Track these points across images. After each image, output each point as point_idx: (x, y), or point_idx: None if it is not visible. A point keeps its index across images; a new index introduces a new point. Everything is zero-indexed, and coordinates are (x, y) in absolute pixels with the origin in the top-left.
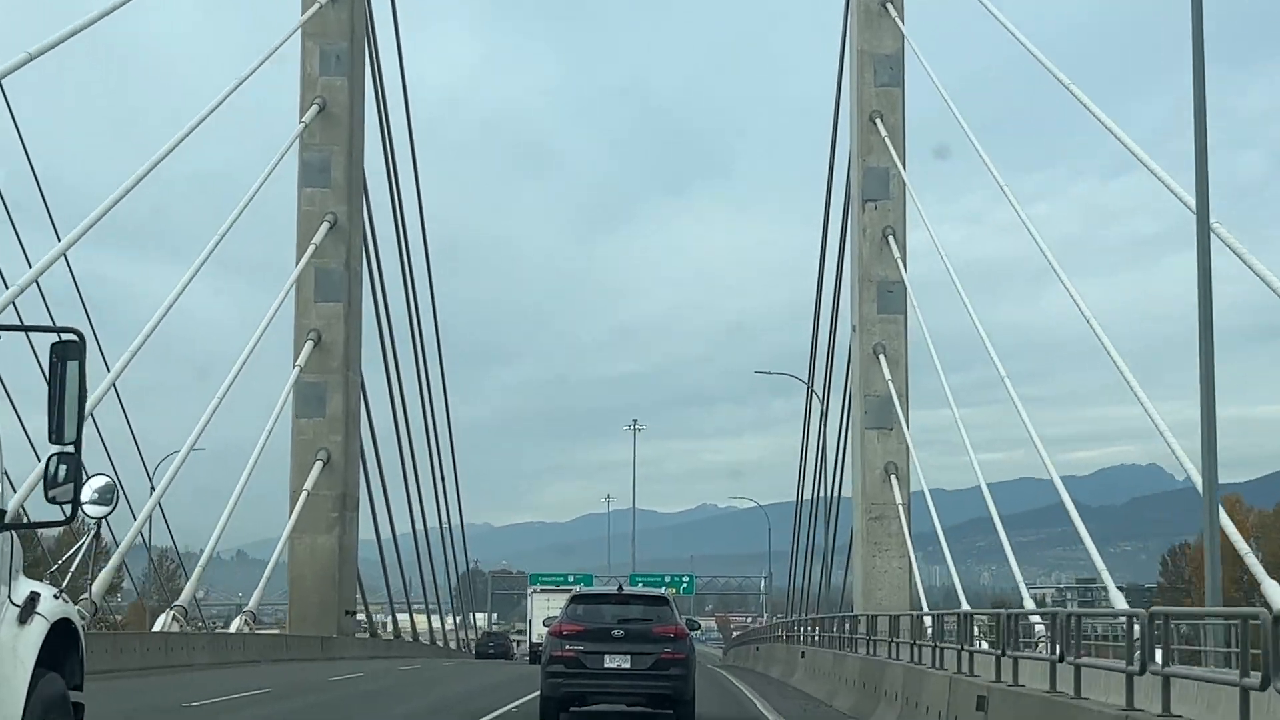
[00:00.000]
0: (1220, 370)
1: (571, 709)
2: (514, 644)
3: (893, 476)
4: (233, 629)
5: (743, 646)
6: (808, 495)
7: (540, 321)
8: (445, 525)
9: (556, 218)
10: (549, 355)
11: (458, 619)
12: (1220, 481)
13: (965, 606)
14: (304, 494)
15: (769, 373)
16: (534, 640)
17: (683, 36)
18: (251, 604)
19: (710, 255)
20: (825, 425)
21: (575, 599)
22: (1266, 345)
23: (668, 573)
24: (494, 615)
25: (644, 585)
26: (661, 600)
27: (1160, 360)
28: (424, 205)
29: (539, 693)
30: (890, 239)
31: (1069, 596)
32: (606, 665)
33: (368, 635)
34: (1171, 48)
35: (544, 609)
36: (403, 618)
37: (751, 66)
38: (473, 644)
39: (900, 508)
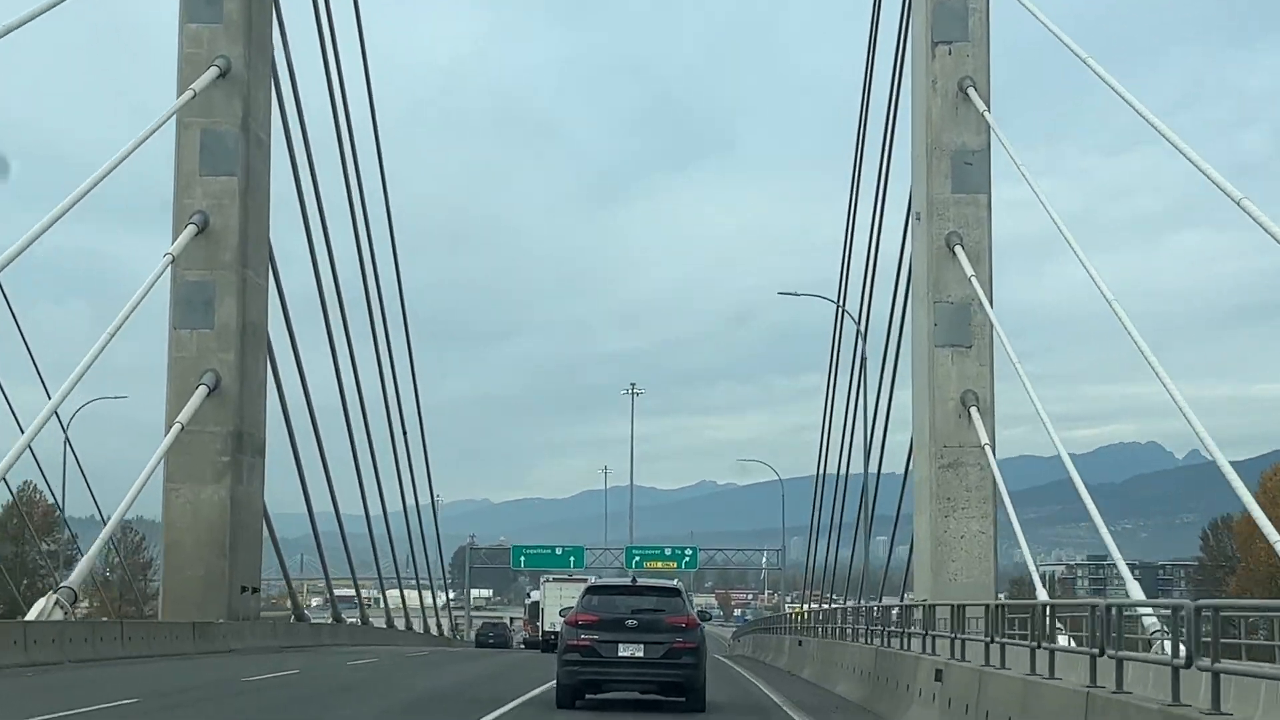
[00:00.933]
0: (1222, 349)
1: (587, 696)
2: (512, 632)
3: (972, 410)
4: (32, 614)
5: (764, 635)
6: (836, 449)
7: (542, 298)
8: (413, 493)
9: (560, 194)
10: (551, 332)
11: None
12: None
13: (1042, 595)
14: (176, 428)
15: (795, 294)
16: (547, 629)
17: (687, 12)
18: (73, 578)
19: (713, 232)
20: (860, 357)
21: (590, 590)
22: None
23: (668, 545)
24: (490, 592)
25: (641, 558)
26: (674, 591)
27: (1162, 338)
28: (372, 73)
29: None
30: (970, 91)
31: (1079, 574)
32: (621, 654)
33: (331, 620)
34: (1177, 24)
35: (556, 598)
36: (378, 594)
37: (756, 43)
38: (460, 628)
39: (986, 450)
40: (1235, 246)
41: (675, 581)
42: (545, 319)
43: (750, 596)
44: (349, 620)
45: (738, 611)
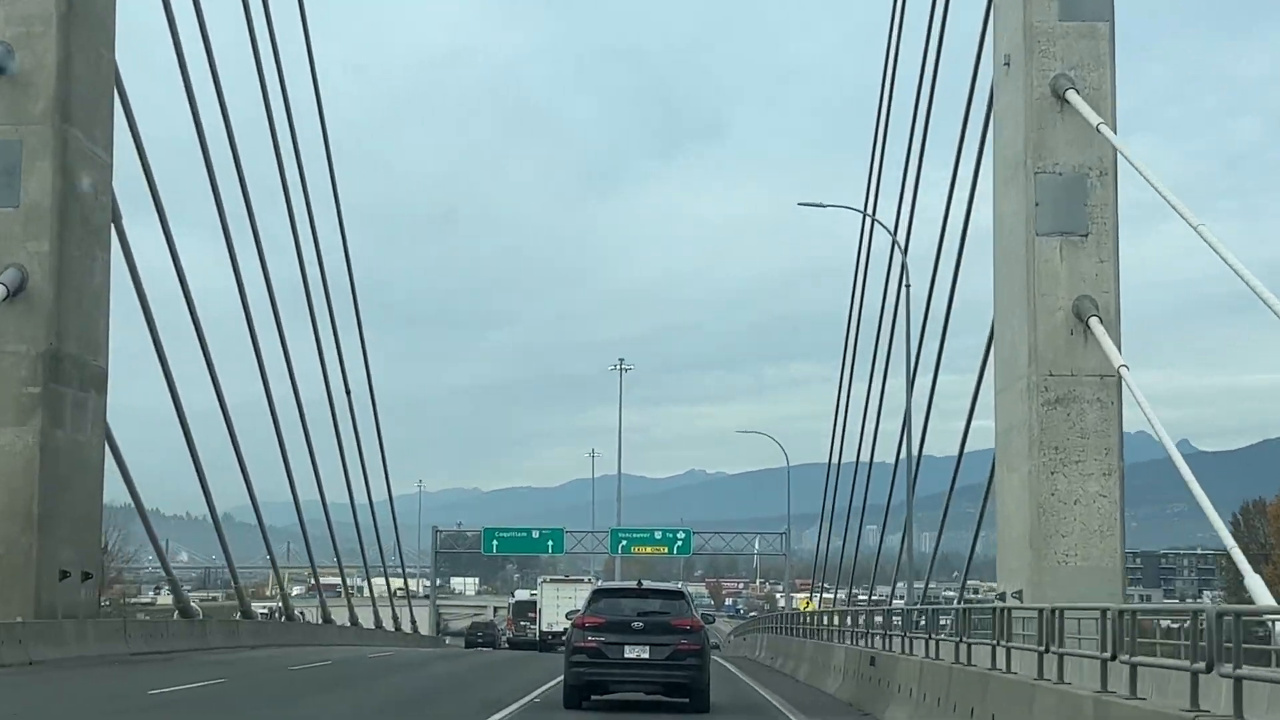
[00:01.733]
0: (1208, 340)
1: (593, 696)
2: (500, 632)
3: (1092, 322)
4: None
5: (778, 636)
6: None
7: (533, 286)
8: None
9: (551, 181)
10: (542, 320)
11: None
12: (1209, 450)
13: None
14: None
15: (819, 205)
16: (544, 629)
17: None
18: None
19: (703, 220)
20: (900, 270)
21: (597, 593)
22: (1251, 314)
23: (658, 528)
24: (475, 580)
25: (628, 542)
26: (678, 594)
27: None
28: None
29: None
30: None
31: (1135, 561)
32: (626, 655)
33: (239, 616)
34: (1167, 13)
35: (554, 599)
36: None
37: (746, 30)
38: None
39: (1120, 374)
40: (1226, 237)
41: (679, 584)
42: (537, 307)
43: (741, 585)
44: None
45: (729, 601)
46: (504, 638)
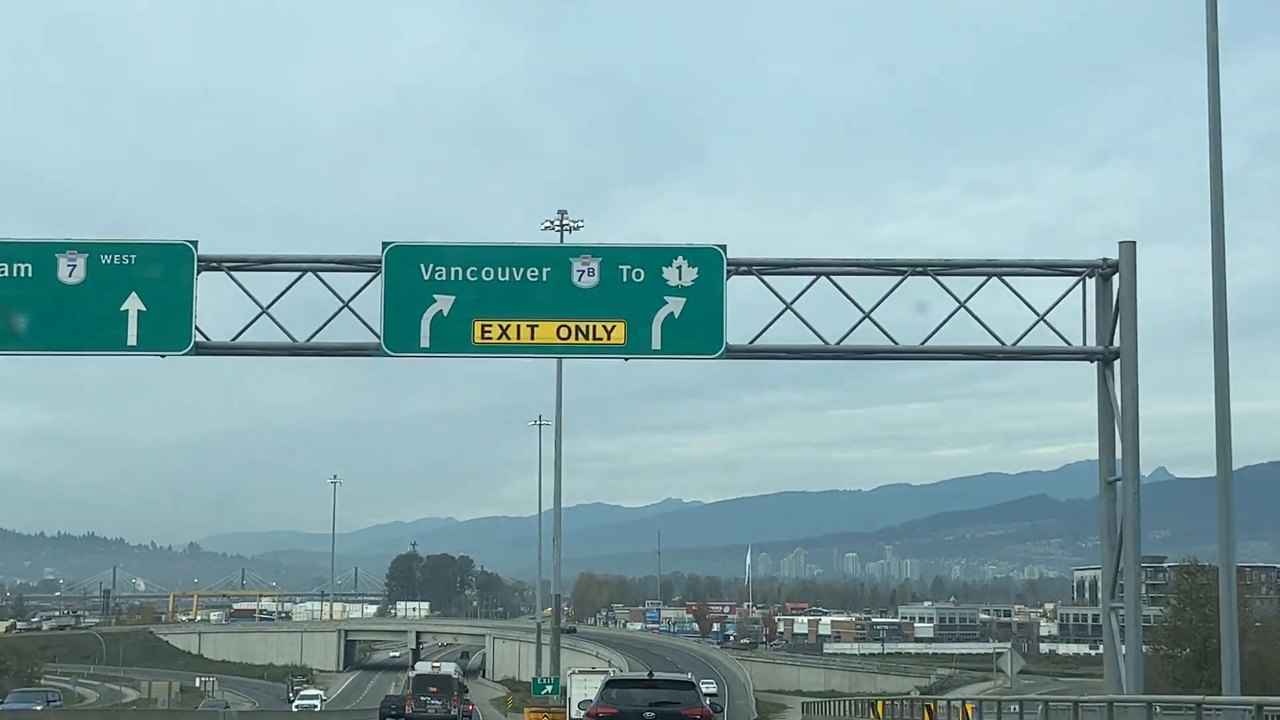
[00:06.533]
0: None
1: None
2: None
3: None
4: None
5: None
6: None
7: None
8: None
9: (529, 205)
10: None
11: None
12: (1185, 475)
13: None
14: None
15: None
16: (573, 717)
17: (656, 21)
18: None
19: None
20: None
21: (610, 684)
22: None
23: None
24: (426, 606)
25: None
26: (688, 685)
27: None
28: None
29: None
30: None
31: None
32: None
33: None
34: (1151, 36)
35: (582, 689)
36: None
37: (726, 53)
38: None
39: None
40: (1205, 263)
41: (689, 675)
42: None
43: (727, 610)
44: None
45: (715, 627)
46: (396, 715)
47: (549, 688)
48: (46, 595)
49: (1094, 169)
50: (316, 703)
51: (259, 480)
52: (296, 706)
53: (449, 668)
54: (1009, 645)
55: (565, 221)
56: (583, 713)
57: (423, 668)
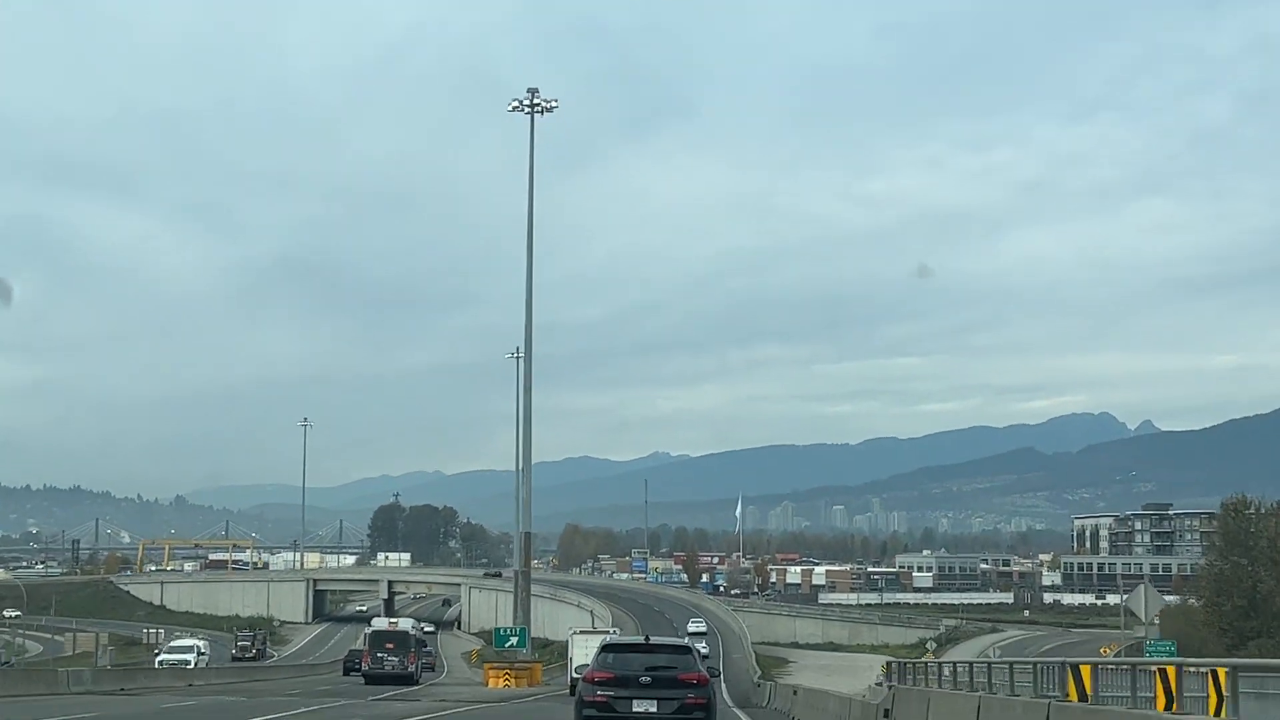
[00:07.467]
0: (1176, 319)
1: None
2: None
3: None
4: None
5: None
6: None
7: (498, 266)
8: None
9: (515, 161)
10: (507, 301)
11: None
12: (1171, 429)
13: None
14: None
15: None
16: (573, 675)
17: None
18: None
19: (672, 199)
20: None
21: (606, 648)
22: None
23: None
24: (409, 556)
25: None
26: (685, 649)
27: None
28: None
29: None
30: None
31: (1135, 526)
32: (635, 710)
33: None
34: None
35: (583, 650)
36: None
37: (716, 6)
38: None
39: None
40: (1194, 218)
41: (686, 639)
42: (501, 288)
43: (716, 560)
44: None
45: (705, 578)
46: (356, 670)
47: (514, 639)
48: (24, 547)
49: (1082, 123)
50: (190, 658)
51: (247, 435)
52: (161, 661)
53: (406, 623)
54: (1142, 582)
55: (536, 101)
56: (579, 677)
57: (379, 623)
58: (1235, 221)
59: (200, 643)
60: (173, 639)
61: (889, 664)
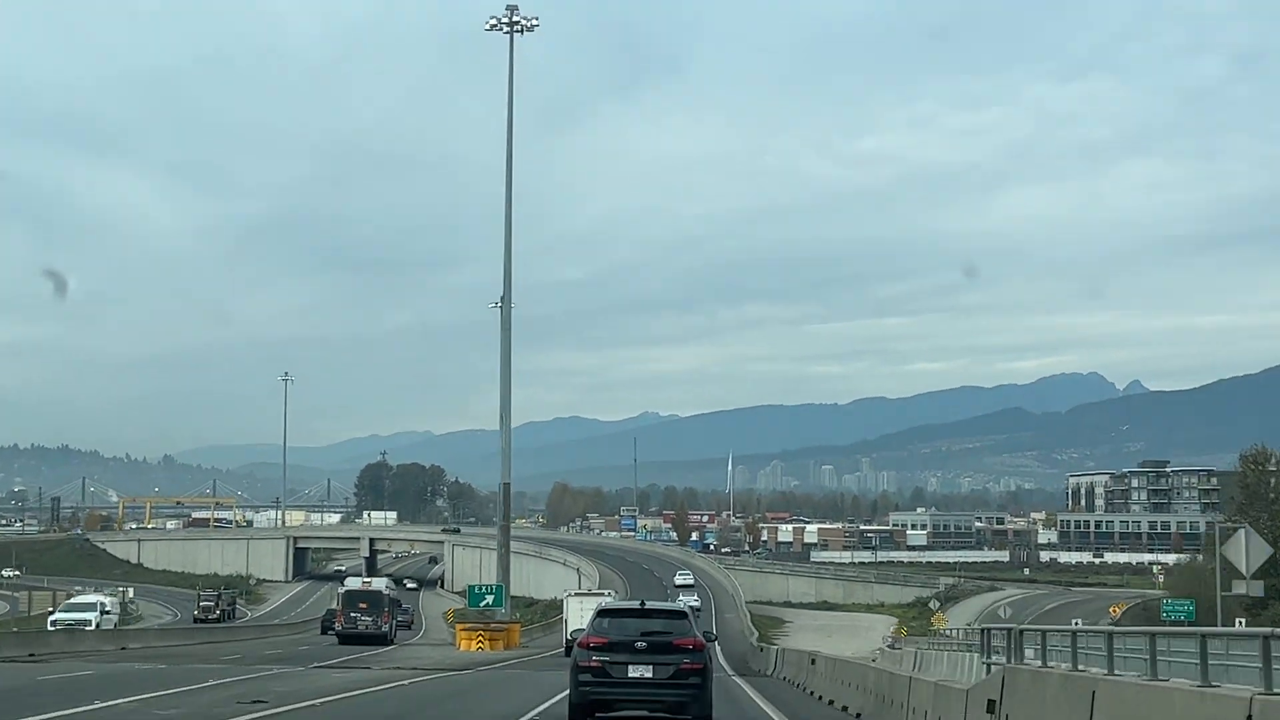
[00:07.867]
0: (1166, 279)
1: (597, 715)
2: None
3: None
4: None
5: None
6: None
7: (486, 226)
8: None
9: (503, 119)
10: (495, 261)
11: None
12: (1160, 389)
13: None
14: None
15: None
16: (568, 638)
17: None
18: None
19: (661, 158)
20: None
21: (601, 613)
22: (1210, 254)
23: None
24: (395, 514)
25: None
26: (681, 614)
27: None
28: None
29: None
30: None
31: (1132, 484)
32: (630, 675)
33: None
34: None
35: (578, 613)
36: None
37: None
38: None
39: None
40: (1183, 178)
41: (682, 604)
42: (489, 247)
43: (706, 519)
44: None
45: (695, 536)
46: (332, 630)
47: (490, 598)
48: (8, 505)
49: (1073, 82)
50: (91, 616)
51: (236, 394)
52: (53, 623)
53: (380, 583)
54: (1242, 527)
55: (516, 19)
56: (574, 639)
57: (352, 583)
58: (1226, 181)
59: (105, 599)
60: (72, 595)
61: (985, 630)
